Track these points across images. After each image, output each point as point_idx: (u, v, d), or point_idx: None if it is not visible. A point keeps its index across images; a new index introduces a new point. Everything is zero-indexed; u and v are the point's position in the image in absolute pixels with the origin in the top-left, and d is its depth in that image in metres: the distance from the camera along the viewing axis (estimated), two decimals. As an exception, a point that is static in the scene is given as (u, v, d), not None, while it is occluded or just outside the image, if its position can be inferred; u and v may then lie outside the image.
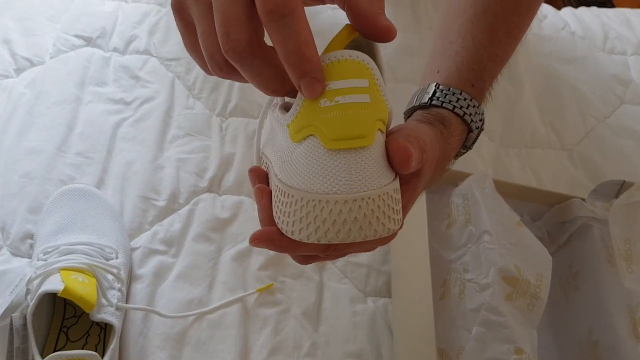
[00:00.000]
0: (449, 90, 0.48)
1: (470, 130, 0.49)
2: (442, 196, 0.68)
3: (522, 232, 0.64)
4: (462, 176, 0.67)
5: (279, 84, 0.34)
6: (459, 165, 0.69)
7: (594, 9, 1.11)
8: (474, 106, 0.48)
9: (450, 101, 0.48)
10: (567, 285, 0.70)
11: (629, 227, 0.65)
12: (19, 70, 0.84)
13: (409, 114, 0.50)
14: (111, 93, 0.83)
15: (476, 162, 0.82)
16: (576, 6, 1.14)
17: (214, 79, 0.87)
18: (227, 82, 0.87)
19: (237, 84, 0.86)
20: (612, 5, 1.46)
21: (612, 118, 0.92)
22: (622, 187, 0.70)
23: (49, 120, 0.78)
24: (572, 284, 0.69)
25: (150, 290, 0.67)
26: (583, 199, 0.70)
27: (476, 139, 0.51)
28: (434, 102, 0.48)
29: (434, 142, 0.43)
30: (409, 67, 0.92)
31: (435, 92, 0.48)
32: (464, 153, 0.52)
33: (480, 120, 0.50)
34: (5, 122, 0.77)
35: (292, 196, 0.34)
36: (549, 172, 0.84)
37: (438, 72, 0.51)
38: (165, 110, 0.82)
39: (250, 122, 0.83)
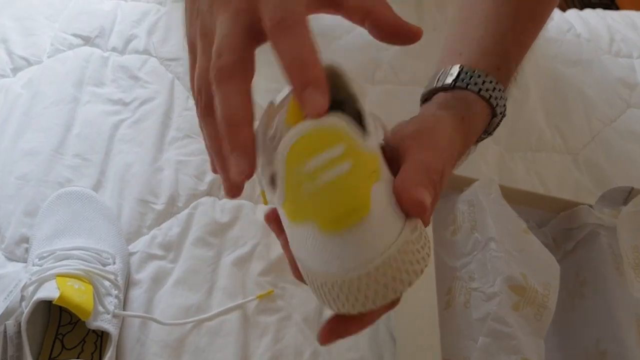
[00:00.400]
0: (474, 72, 0.46)
1: (494, 115, 0.48)
2: (447, 202, 0.67)
3: (529, 240, 0.62)
4: (468, 182, 0.66)
5: (242, 116, 0.33)
6: (463, 170, 0.67)
7: (599, 11, 1.10)
8: (499, 90, 0.47)
9: (476, 83, 0.46)
10: (574, 293, 0.68)
11: (637, 235, 0.64)
12: (15, 70, 0.82)
13: (428, 95, 0.48)
14: (110, 93, 0.81)
15: (481, 166, 0.80)
16: (581, 8, 1.13)
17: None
18: (227, 83, 0.85)
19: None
20: (616, 7, 1.44)
21: (618, 122, 0.90)
22: (630, 193, 0.68)
23: (46, 121, 0.76)
24: (578, 292, 0.68)
25: (148, 296, 0.65)
26: (590, 206, 0.68)
27: (498, 124, 0.49)
28: (458, 83, 0.46)
29: (453, 139, 0.42)
30: (412, 70, 0.91)
31: (459, 73, 0.46)
32: (484, 138, 0.50)
33: (504, 105, 0.48)
34: (1, 123, 0.75)
35: (308, 277, 0.34)
36: (554, 177, 0.83)
37: (461, 54, 0.49)
38: (164, 111, 0.81)
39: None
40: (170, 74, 0.85)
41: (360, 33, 0.95)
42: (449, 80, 0.47)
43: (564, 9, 1.12)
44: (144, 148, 0.77)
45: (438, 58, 0.53)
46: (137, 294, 0.65)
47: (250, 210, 0.74)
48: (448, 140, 0.41)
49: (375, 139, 0.34)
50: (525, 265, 0.60)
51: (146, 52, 0.86)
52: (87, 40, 0.86)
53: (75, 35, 0.86)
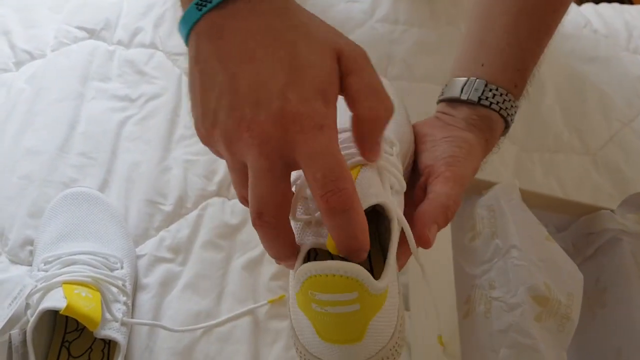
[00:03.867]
0: (497, 90, 0.50)
1: (506, 128, 0.52)
2: (466, 207, 0.64)
3: (552, 248, 0.60)
4: (487, 185, 0.63)
5: (287, 255, 0.37)
6: (480, 171, 0.65)
7: (615, 5, 1.07)
8: (514, 107, 0.51)
9: (497, 102, 0.50)
10: (594, 302, 0.66)
11: (662, 242, 0.62)
12: (18, 64, 0.80)
13: (450, 102, 0.51)
14: (115, 89, 0.79)
15: (499, 167, 0.78)
16: (596, 2, 1.10)
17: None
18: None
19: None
20: (630, 2, 1.41)
21: (638, 121, 0.88)
22: (653, 198, 0.66)
23: (50, 118, 0.74)
24: (599, 300, 0.66)
25: (156, 301, 0.63)
26: (612, 210, 0.66)
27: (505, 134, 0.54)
28: (482, 101, 0.50)
29: (478, 167, 0.47)
30: (427, 65, 0.88)
31: (484, 90, 0.50)
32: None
33: (513, 119, 0.52)
34: (3, 120, 0.73)
35: (300, 351, 0.38)
36: (573, 178, 0.81)
37: (482, 65, 0.52)
38: (172, 108, 0.78)
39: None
40: (178, 69, 0.82)
41: (372, 27, 0.93)
42: (474, 96, 0.50)
43: (579, 3, 1.09)
44: (151, 146, 0.74)
45: (457, 57, 0.55)
46: (146, 299, 0.63)
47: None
48: (474, 171, 0.47)
49: (386, 279, 0.36)
50: (548, 274, 0.58)
51: (152, 45, 0.84)
52: (92, 34, 0.84)
53: (79, 28, 0.84)
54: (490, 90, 0.50)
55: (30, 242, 0.63)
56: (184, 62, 0.83)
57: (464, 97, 0.50)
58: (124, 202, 0.69)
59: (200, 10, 0.35)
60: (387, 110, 0.37)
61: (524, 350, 0.54)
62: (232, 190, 0.73)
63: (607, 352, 0.63)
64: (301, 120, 0.33)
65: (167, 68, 0.82)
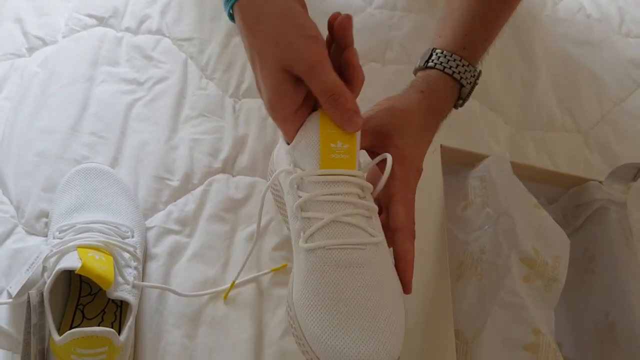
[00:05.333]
0: (442, 52, 0.60)
1: (462, 86, 0.60)
2: (459, 178, 0.68)
3: (540, 214, 0.63)
4: (479, 158, 0.66)
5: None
6: (475, 147, 0.68)
7: (609, -9, 1.10)
8: (463, 65, 0.60)
9: (441, 62, 0.60)
10: (583, 269, 0.69)
11: (647, 210, 0.65)
12: (31, 50, 0.83)
13: (416, 71, 0.62)
14: (124, 73, 0.82)
15: (492, 145, 0.81)
16: (591, -11, 1.13)
17: (227, 59, 0.86)
18: (239, 63, 0.86)
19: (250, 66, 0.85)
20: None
21: (628, 101, 0.91)
22: (639, 170, 0.69)
23: (62, 100, 0.77)
24: (587, 267, 0.69)
25: (165, 270, 0.66)
26: (600, 182, 0.69)
27: (471, 91, 0.62)
28: (429, 64, 0.60)
29: (428, 125, 0.58)
30: (424, 50, 0.91)
31: (431, 55, 0.61)
32: (462, 104, 0.63)
33: (473, 76, 0.61)
34: (18, 102, 0.77)
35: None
36: (565, 156, 0.84)
37: (440, 37, 0.62)
38: (178, 90, 0.82)
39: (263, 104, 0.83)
40: (184, 54, 0.86)
41: (371, 14, 0.96)
42: (422, 61, 0.61)
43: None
44: (158, 127, 0.78)
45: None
46: (155, 268, 0.66)
47: (264, 187, 0.75)
48: (421, 130, 0.57)
49: None
50: (536, 239, 0.61)
51: (159, 32, 0.87)
52: (100, 21, 0.87)
53: (89, 15, 0.87)
54: (436, 54, 0.60)
55: (45, 215, 0.67)
56: (189, 47, 0.86)
57: (421, 64, 0.61)
58: (133, 178, 0.72)
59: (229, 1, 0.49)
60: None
61: (512, 308, 0.56)
62: (237, 168, 0.76)
63: (595, 315, 0.66)
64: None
65: (174, 53, 0.85)
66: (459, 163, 0.68)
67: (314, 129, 0.49)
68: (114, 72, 0.82)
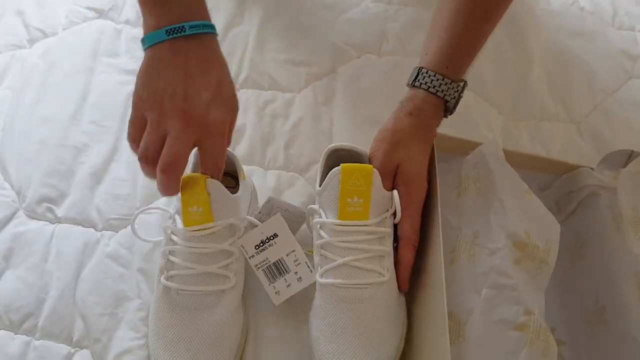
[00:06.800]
0: (427, 72, 0.64)
1: (446, 101, 0.65)
2: (452, 165, 0.69)
3: (531, 200, 0.65)
4: (473, 145, 0.68)
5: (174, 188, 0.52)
6: (469, 137, 0.69)
7: (603, -15, 1.11)
8: (446, 83, 0.64)
9: (426, 82, 0.64)
10: (574, 254, 0.71)
11: (637, 195, 0.66)
12: (32, 41, 0.84)
13: (409, 86, 0.67)
14: (123, 64, 0.84)
15: (486, 134, 0.82)
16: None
17: (225, 50, 0.86)
18: (237, 54, 0.87)
19: (248, 55, 0.87)
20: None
21: (620, 92, 0.92)
22: (630, 156, 0.70)
23: (62, 89, 0.79)
24: (579, 252, 0.70)
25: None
26: (592, 168, 0.70)
27: (456, 104, 0.66)
28: (415, 84, 0.65)
29: (425, 150, 0.65)
30: (419, 41, 0.92)
31: (417, 75, 0.65)
32: (448, 116, 0.67)
33: (457, 91, 0.65)
34: (19, 91, 0.78)
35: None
36: (558, 145, 0.85)
37: (426, 54, 0.66)
38: (177, 81, 0.83)
39: (261, 94, 0.84)
40: (182, 45, 0.87)
41: (367, 6, 0.97)
42: (409, 81, 0.66)
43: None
44: (157, 116, 0.79)
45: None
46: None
47: (261, 177, 0.77)
48: (417, 149, 0.64)
49: None
50: (528, 223, 0.62)
51: (158, 24, 0.88)
52: (100, 13, 0.88)
53: (88, 8, 0.89)
54: (422, 73, 0.64)
55: (46, 200, 0.68)
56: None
57: (409, 82, 0.66)
58: (133, 165, 0.73)
59: (168, 35, 0.52)
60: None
61: (504, 289, 0.58)
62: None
63: (585, 298, 0.67)
64: (213, 126, 0.53)
65: (172, 44, 0.87)
66: (453, 151, 0.69)
67: (335, 184, 0.59)
68: (113, 63, 0.83)
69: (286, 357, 0.62)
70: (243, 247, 0.60)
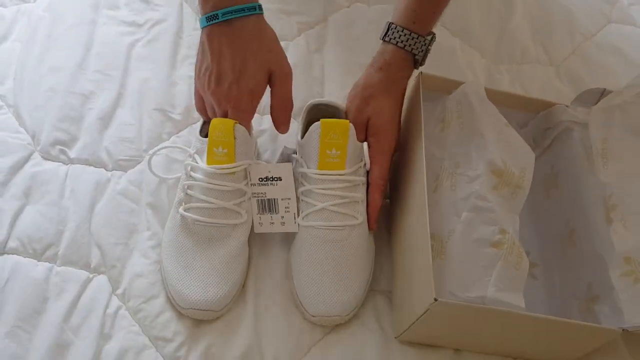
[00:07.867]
0: (395, 27, 0.69)
1: (414, 55, 0.70)
2: (437, 103, 0.74)
3: (509, 132, 0.70)
4: (457, 84, 0.72)
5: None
6: (453, 76, 0.74)
7: None
8: (413, 38, 0.69)
9: (395, 37, 0.69)
10: (549, 185, 0.76)
11: (606, 128, 0.71)
12: (35, -5, 0.88)
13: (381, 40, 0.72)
14: (124, 16, 0.87)
15: (469, 77, 0.87)
16: None
17: None
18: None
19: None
20: None
21: (599, 36, 0.96)
22: (602, 94, 0.75)
23: (67, 40, 0.83)
24: (553, 182, 0.76)
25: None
26: (567, 106, 0.76)
27: (425, 57, 0.71)
28: (385, 39, 0.70)
29: (397, 97, 0.71)
30: None
31: (387, 30, 0.70)
32: (418, 67, 0.72)
33: (424, 44, 0.70)
34: (27, 43, 0.82)
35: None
36: (537, 87, 0.90)
37: (396, 10, 0.70)
38: (175, 31, 0.87)
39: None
40: (179, -3, 0.90)
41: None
42: (380, 36, 0.70)
43: None
44: (158, 65, 0.83)
45: None
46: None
47: (256, 122, 0.81)
48: (388, 102, 0.70)
49: None
50: (505, 152, 0.67)
51: (155, -23, 0.92)
52: (99, -33, 0.91)
53: (88, -38, 0.92)
54: (391, 29, 0.69)
55: (59, 143, 0.73)
56: (185, -10, 0.91)
57: (380, 37, 0.70)
58: (137, 111, 0.78)
59: (208, 22, 0.62)
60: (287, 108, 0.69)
61: (482, 211, 0.63)
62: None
63: (558, 224, 0.73)
64: (235, 101, 0.63)
65: (169, -4, 0.90)
66: (438, 89, 0.74)
67: (315, 138, 0.66)
68: (114, 16, 0.87)
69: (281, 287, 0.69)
70: (249, 173, 0.66)
